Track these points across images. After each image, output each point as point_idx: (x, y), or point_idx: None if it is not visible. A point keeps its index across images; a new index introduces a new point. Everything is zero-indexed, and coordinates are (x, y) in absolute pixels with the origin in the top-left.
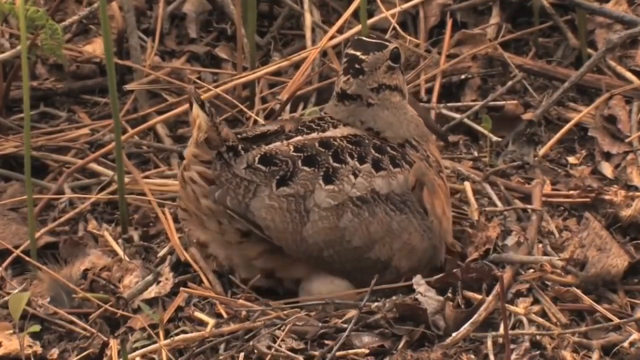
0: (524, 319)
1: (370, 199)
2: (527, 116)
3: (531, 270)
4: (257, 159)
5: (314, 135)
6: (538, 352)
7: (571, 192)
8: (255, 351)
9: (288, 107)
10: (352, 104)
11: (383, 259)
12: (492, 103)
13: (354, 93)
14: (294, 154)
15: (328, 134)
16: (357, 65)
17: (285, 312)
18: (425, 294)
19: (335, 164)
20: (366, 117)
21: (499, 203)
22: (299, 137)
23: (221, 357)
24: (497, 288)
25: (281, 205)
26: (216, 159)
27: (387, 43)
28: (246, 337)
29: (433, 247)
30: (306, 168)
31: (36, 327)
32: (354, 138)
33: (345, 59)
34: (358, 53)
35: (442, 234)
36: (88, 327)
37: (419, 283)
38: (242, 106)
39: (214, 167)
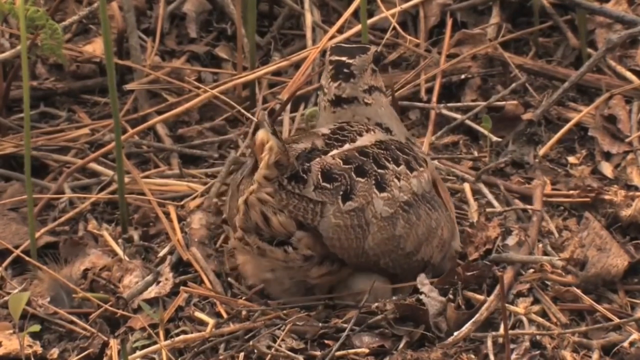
0: (524, 319)
1: (413, 201)
2: (527, 116)
3: (531, 270)
4: (319, 177)
5: (348, 146)
6: (538, 352)
7: (571, 192)
8: (255, 351)
9: (288, 107)
10: (350, 105)
11: (426, 259)
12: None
13: (349, 96)
14: (346, 166)
15: (359, 143)
16: (345, 70)
17: (285, 312)
18: (429, 295)
19: (380, 171)
20: (370, 113)
21: (495, 203)
22: (336, 151)
23: (221, 357)
24: (498, 288)
25: (345, 222)
26: (279, 189)
27: (367, 46)
28: (246, 337)
29: (453, 235)
30: (360, 179)
31: (36, 327)
32: (380, 144)
33: (330, 67)
34: (344, 58)
35: (455, 225)
36: (88, 327)
37: (423, 283)
38: (240, 107)
39: (278, 197)
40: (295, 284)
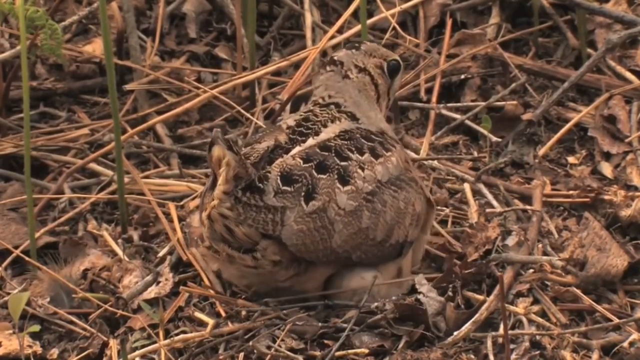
0: (524, 319)
1: (377, 189)
2: (527, 116)
3: (531, 271)
4: (279, 182)
5: (311, 141)
6: (538, 352)
7: (571, 192)
8: (255, 351)
9: (288, 107)
10: (331, 70)
11: (401, 240)
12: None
13: (338, 59)
14: (306, 165)
15: (322, 136)
16: (355, 44)
17: (285, 311)
18: (428, 295)
19: (343, 163)
20: (340, 90)
21: (495, 203)
22: (299, 148)
23: (221, 357)
24: (497, 288)
25: (308, 226)
26: (236, 203)
27: (394, 54)
28: (246, 337)
29: (427, 200)
30: (322, 176)
31: (36, 327)
32: (345, 134)
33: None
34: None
35: (427, 192)
36: (88, 327)
37: (422, 283)
38: (239, 108)
39: (236, 212)
40: (269, 289)
